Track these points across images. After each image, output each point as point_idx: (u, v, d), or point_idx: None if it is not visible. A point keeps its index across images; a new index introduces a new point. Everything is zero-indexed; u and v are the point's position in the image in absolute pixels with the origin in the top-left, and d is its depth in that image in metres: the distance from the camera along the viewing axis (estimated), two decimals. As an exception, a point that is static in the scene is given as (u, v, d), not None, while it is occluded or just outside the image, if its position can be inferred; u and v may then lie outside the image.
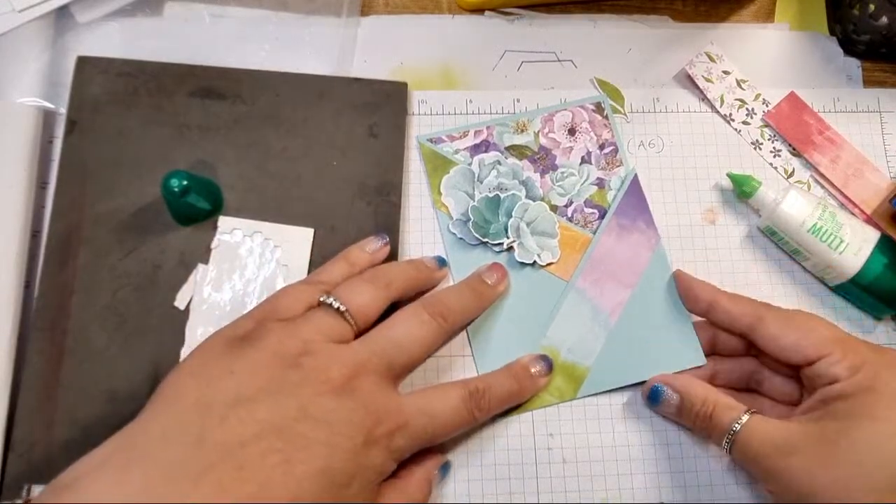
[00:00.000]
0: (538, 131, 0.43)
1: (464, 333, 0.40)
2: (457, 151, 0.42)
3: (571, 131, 0.43)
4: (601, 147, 0.43)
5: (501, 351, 0.39)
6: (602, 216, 0.42)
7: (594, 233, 0.41)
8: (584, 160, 0.43)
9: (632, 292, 0.40)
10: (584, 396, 0.39)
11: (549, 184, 0.42)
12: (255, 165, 0.40)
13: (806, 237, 0.40)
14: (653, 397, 0.38)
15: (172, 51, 0.42)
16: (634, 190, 0.42)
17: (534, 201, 0.41)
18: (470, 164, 0.42)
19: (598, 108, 0.44)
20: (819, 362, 0.34)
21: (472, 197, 0.41)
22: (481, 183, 0.42)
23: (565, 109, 0.44)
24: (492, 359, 0.39)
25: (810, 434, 0.33)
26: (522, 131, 0.43)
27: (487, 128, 0.43)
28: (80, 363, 0.37)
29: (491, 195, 0.41)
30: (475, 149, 0.42)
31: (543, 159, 0.42)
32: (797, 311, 0.37)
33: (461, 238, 0.41)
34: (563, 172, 0.42)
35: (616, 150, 0.43)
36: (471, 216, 0.41)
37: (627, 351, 0.39)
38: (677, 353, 0.39)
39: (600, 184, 0.42)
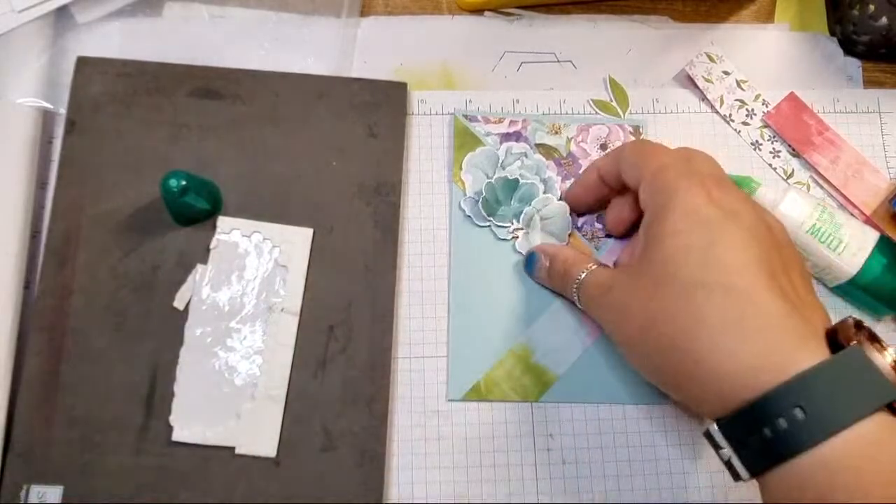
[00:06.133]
0: (571, 137, 0.43)
1: (444, 334, 0.40)
2: (488, 134, 0.43)
3: (604, 146, 0.43)
4: None
5: (476, 339, 0.40)
6: (609, 235, 0.42)
7: (597, 249, 0.41)
8: None
9: None
10: (546, 402, 0.39)
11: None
12: (255, 165, 0.40)
13: (805, 238, 0.40)
14: (529, 263, 0.40)
15: (172, 51, 0.42)
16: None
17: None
18: (497, 149, 0.42)
19: (636, 131, 0.44)
20: (640, 188, 0.35)
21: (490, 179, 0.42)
22: (503, 169, 0.42)
23: (603, 124, 0.44)
24: (465, 347, 0.40)
25: (629, 269, 0.34)
26: (556, 133, 0.43)
27: (523, 120, 0.43)
28: (79, 363, 0.37)
29: (511, 177, 0.41)
30: (506, 137, 0.43)
31: (569, 165, 0.43)
32: (649, 142, 0.38)
33: (469, 216, 0.41)
34: None
35: None
36: (483, 192, 0.41)
37: (599, 371, 0.40)
38: (644, 387, 0.39)
39: None
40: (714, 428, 0.30)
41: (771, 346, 0.28)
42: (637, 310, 0.32)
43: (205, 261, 0.39)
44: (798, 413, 0.27)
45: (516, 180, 0.41)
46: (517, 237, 0.41)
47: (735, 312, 0.29)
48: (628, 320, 0.33)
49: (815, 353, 0.28)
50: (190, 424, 0.36)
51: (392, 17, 0.46)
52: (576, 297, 0.37)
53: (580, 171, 0.42)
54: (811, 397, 0.27)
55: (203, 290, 0.38)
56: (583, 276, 0.36)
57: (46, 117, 0.41)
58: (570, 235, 0.41)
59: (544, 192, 0.42)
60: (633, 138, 0.43)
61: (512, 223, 0.41)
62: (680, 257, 0.31)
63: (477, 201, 0.41)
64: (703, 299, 0.30)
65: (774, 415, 0.27)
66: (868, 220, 0.43)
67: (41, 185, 0.40)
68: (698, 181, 0.32)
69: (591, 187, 0.40)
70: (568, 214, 0.41)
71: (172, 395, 0.37)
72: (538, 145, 0.43)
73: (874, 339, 0.29)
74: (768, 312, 0.29)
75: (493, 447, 0.38)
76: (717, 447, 0.30)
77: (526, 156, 0.42)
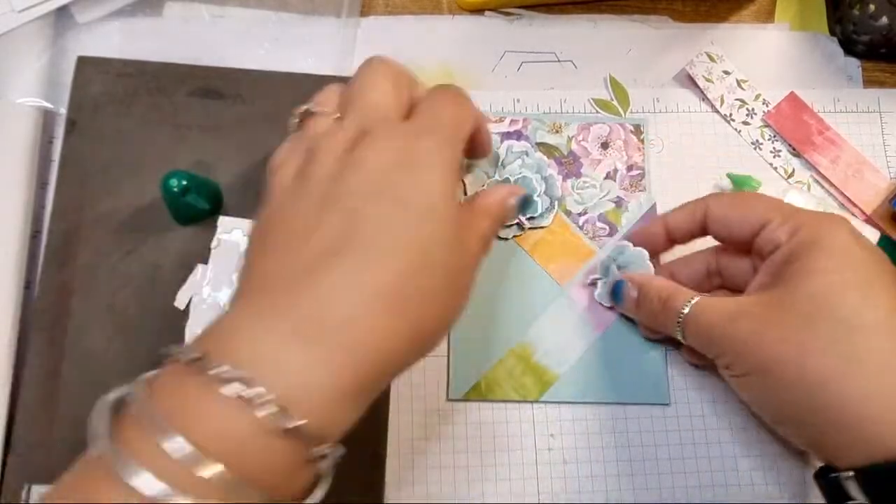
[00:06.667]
0: (572, 136, 0.43)
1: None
2: None
3: (605, 145, 0.43)
4: (629, 168, 0.43)
5: (476, 338, 0.40)
6: (611, 234, 0.42)
7: (600, 248, 0.41)
8: (609, 176, 0.43)
9: (618, 316, 0.40)
10: (547, 402, 0.39)
11: (568, 189, 0.42)
12: (255, 165, 0.40)
13: (806, 237, 0.40)
14: (615, 292, 0.39)
15: (172, 51, 0.42)
16: (649, 219, 0.42)
17: (550, 200, 0.42)
18: (498, 148, 0.42)
19: (637, 130, 0.44)
20: (762, 231, 0.34)
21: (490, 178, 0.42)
22: (503, 168, 0.42)
23: (604, 123, 0.44)
24: (465, 347, 0.39)
25: (760, 300, 0.33)
26: (557, 132, 0.43)
27: (524, 120, 0.43)
28: (80, 363, 0.37)
29: (500, 178, 0.41)
30: (507, 136, 0.43)
31: (570, 164, 0.43)
32: (742, 191, 0.37)
33: None
34: (585, 181, 0.42)
35: (643, 175, 0.43)
36: None
37: (599, 370, 0.39)
38: (644, 388, 0.39)
39: (618, 203, 0.42)
40: (848, 476, 0.29)
41: None
42: (779, 341, 0.31)
43: (205, 260, 0.39)
44: None
45: (507, 179, 0.41)
46: (596, 286, 0.40)
47: None
48: (767, 350, 0.31)
49: None
50: (190, 424, 0.36)
51: (392, 17, 0.46)
52: (679, 330, 0.35)
53: (581, 169, 0.42)
54: None
55: (204, 289, 0.38)
56: (688, 307, 0.34)
57: (47, 117, 0.41)
58: (570, 233, 0.41)
59: (545, 192, 0.42)
60: (634, 137, 0.43)
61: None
62: (836, 294, 0.30)
63: None
64: (864, 339, 0.29)
65: None
66: (868, 220, 0.43)
67: (41, 184, 0.40)
68: (841, 223, 0.32)
69: (655, 241, 0.39)
70: (647, 259, 0.39)
71: (173, 394, 0.37)
72: (539, 144, 0.43)
73: None
74: None
75: (493, 447, 0.38)
76: (843, 497, 0.30)
77: (527, 154, 0.42)
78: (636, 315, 0.39)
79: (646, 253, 0.39)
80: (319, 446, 0.24)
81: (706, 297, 0.35)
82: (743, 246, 0.36)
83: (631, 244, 0.40)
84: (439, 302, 0.27)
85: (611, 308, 0.40)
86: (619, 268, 0.40)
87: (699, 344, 0.35)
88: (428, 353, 0.27)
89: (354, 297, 0.24)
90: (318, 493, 0.25)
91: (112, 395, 0.24)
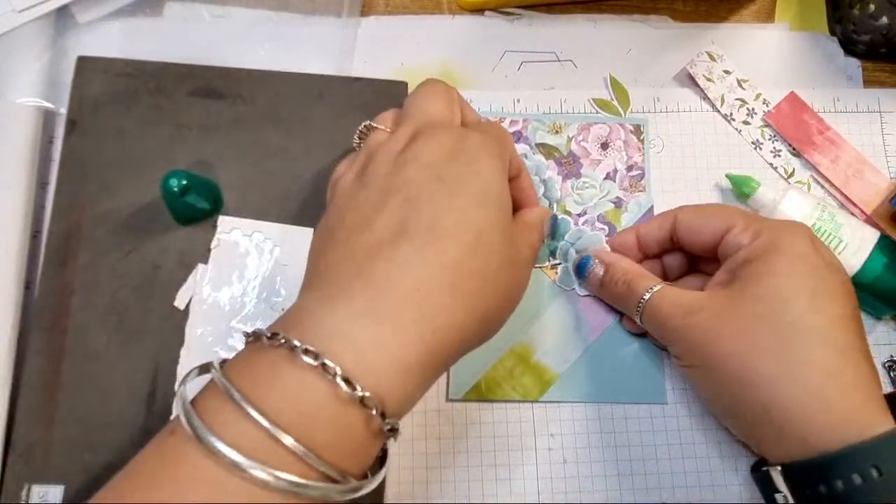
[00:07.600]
0: (572, 137, 0.43)
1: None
2: None
3: (604, 145, 0.43)
4: (629, 168, 0.43)
5: None
6: (611, 234, 0.42)
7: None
8: (609, 176, 0.43)
9: (617, 317, 0.40)
10: (547, 402, 0.39)
11: (568, 189, 0.42)
12: (255, 165, 0.40)
13: (806, 237, 0.40)
14: (581, 267, 0.39)
15: (172, 51, 0.42)
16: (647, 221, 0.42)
17: (550, 202, 0.42)
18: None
19: (637, 130, 0.44)
20: (727, 235, 0.35)
21: None
22: None
23: (604, 123, 0.44)
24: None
25: (716, 296, 0.34)
26: (556, 133, 0.43)
27: (524, 120, 0.43)
28: (80, 363, 0.37)
29: None
30: None
31: (570, 164, 0.43)
32: (709, 203, 0.39)
33: None
34: (584, 182, 0.42)
35: (642, 175, 0.43)
36: None
37: (599, 370, 0.40)
38: (642, 387, 0.39)
39: (618, 203, 0.42)
40: (776, 471, 0.31)
41: (860, 404, 0.30)
42: (729, 338, 0.32)
43: (205, 260, 0.39)
44: (873, 472, 0.28)
45: None
46: (556, 271, 0.41)
47: (836, 364, 0.30)
48: (716, 346, 0.32)
49: (888, 417, 0.30)
50: (190, 424, 0.36)
51: (392, 17, 0.46)
52: (638, 314, 0.36)
53: (581, 169, 0.42)
54: (888, 459, 0.28)
55: (204, 289, 0.38)
56: (649, 294, 0.36)
57: (47, 117, 0.41)
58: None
59: (544, 194, 0.42)
60: (634, 137, 0.43)
61: (550, 260, 0.41)
62: (785, 297, 0.32)
63: None
64: (808, 344, 0.31)
65: (850, 470, 0.28)
66: (868, 220, 0.43)
67: (42, 184, 0.40)
68: (801, 230, 0.34)
69: (626, 252, 0.40)
70: (604, 243, 0.41)
71: (173, 394, 0.37)
72: (538, 145, 0.43)
73: None
74: (863, 371, 0.31)
75: (493, 447, 0.38)
76: (772, 489, 0.31)
77: (526, 157, 0.42)
78: (599, 293, 0.39)
79: (602, 237, 0.40)
80: (385, 419, 0.25)
81: (667, 287, 0.36)
82: (709, 253, 0.37)
83: (588, 230, 0.41)
84: (495, 288, 0.29)
85: (572, 289, 0.40)
86: (577, 252, 0.40)
87: (654, 331, 0.37)
88: (487, 339, 0.30)
89: (417, 274, 0.26)
90: (381, 475, 0.27)
91: (191, 376, 0.26)
